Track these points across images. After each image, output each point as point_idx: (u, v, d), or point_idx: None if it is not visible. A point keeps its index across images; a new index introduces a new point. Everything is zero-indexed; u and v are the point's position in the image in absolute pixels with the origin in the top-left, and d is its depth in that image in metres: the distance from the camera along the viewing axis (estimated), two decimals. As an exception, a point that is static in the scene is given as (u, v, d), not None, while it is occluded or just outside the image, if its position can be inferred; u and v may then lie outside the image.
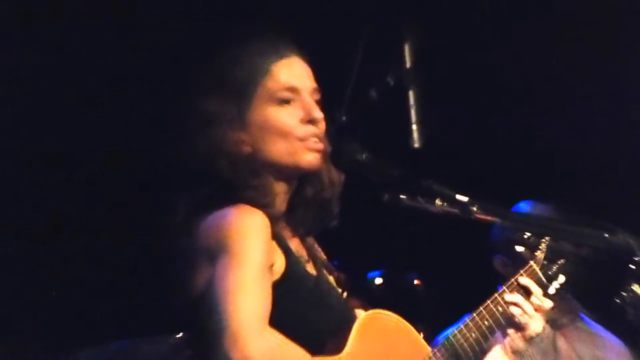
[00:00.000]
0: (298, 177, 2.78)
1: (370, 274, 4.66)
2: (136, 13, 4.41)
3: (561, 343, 4.12)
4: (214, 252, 2.57)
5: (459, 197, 2.60)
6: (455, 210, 2.60)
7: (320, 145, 2.75)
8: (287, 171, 2.75)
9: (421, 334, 2.92)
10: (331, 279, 2.86)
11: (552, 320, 3.95)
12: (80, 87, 4.46)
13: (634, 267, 2.41)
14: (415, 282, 4.77)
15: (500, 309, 2.97)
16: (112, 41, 4.41)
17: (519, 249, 3.09)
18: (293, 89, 2.74)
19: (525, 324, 2.98)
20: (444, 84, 4.72)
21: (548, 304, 3.00)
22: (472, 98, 4.90)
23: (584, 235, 2.52)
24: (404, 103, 4.53)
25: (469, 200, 2.59)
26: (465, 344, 2.92)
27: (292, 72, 2.75)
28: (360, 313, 2.82)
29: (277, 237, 2.68)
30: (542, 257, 3.07)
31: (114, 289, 4.51)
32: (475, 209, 2.58)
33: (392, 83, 4.48)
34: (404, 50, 4.55)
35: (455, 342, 2.91)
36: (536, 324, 2.99)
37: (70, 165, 4.53)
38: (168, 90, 3.67)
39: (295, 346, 2.53)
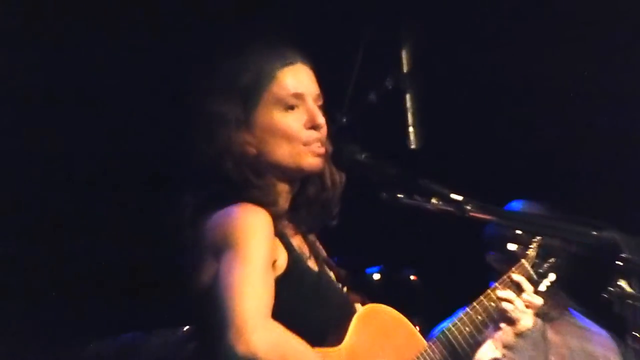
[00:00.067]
0: (301, 179, 2.79)
1: (369, 270, 4.66)
2: (151, 16, 4.39)
3: (551, 335, 4.12)
4: (220, 249, 2.59)
5: (453, 196, 2.60)
6: (451, 209, 2.60)
7: (323, 150, 2.76)
8: (290, 173, 2.76)
9: (417, 327, 2.94)
10: (332, 274, 2.86)
11: (543, 314, 3.96)
12: (84, 86, 4.42)
13: (620, 263, 2.41)
14: (412, 277, 4.76)
15: (493, 304, 2.97)
16: (123, 43, 4.38)
17: (512, 246, 3.09)
18: (298, 96, 2.75)
19: (517, 319, 2.97)
20: (440, 85, 4.72)
21: (538, 300, 3.00)
22: (468, 99, 4.90)
23: (573, 232, 2.51)
24: (401, 106, 4.53)
25: (463, 199, 2.59)
26: (459, 337, 2.92)
27: (298, 79, 2.76)
28: (359, 307, 2.84)
29: (280, 234, 2.69)
30: (534, 255, 3.06)
31: (124, 285, 4.50)
32: (469, 207, 2.58)
33: (390, 86, 4.49)
34: (401, 55, 4.55)
35: (450, 336, 2.91)
36: (527, 320, 2.98)
37: (72, 165, 4.50)
38: (175, 92, 3.69)
39: (297, 338, 2.53)
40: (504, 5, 4.78)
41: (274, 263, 2.63)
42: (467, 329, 2.93)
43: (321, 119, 2.77)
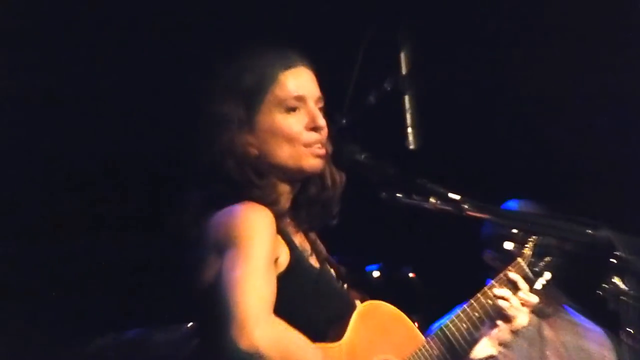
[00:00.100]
0: (302, 179, 2.80)
1: (369, 268, 4.67)
2: (156, 18, 4.39)
3: (547, 332, 4.13)
4: (223, 246, 2.59)
5: (451, 195, 2.61)
6: (448, 208, 2.60)
7: (323, 151, 2.77)
8: (291, 173, 2.77)
9: (416, 323, 2.94)
10: (332, 271, 2.88)
11: (538, 310, 3.96)
12: (87, 87, 4.41)
13: (614, 261, 2.42)
14: (411, 275, 4.77)
15: (489, 301, 2.96)
16: (129, 44, 4.37)
17: (508, 245, 3.09)
18: (300, 98, 2.76)
19: (512, 316, 2.96)
20: (437, 86, 4.72)
21: (534, 299, 2.98)
22: (466, 100, 4.91)
23: (568, 231, 2.52)
24: (400, 107, 4.54)
25: (461, 198, 2.60)
26: (457, 334, 2.93)
27: (299, 82, 2.77)
28: (359, 304, 2.85)
29: (282, 232, 2.70)
30: (530, 253, 3.05)
31: (129, 282, 4.50)
32: (466, 206, 2.59)
33: (389, 89, 4.50)
34: (400, 58, 4.56)
35: (448, 332, 2.91)
36: (522, 318, 2.97)
37: (74, 165, 4.49)
38: (179, 92, 3.70)
39: (299, 333, 2.55)
40: (502, 5, 4.77)
41: (276, 260, 2.64)
42: (464, 325, 2.94)
43: (322, 121, 2.78)
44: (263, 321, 2.47)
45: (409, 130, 4.48)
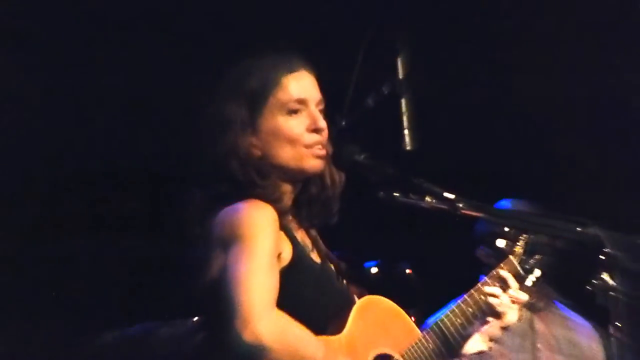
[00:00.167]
0: (303, 179, 2.81)
1: (367, 264, 4.68)
2: (163, 21, 4.39)
3: (538, 325, 4.13)
4: (227, 242, 2.60)
5: (446, 194, 2.62)
6: (444, 206, 2.60)
7: (324, 152, 2.78)
8: (293, 174, 2.78)
9: (412, 318, 2.95)
10: (333, 267, 2.88)
11: (530, 304, 3.97)
12: (91, 87, 4.39)
13: (603, 257, 2.43)
14: (408, 271, 4.77)
15: (482, 297, 2.97)
16: (134, 46, 4.36)
17: (500, 242, 3.10)
18: (301, 101, 2.77)
19: (503, 313, 2.96)
20: (434, 88, 4.72)
21: (524, 296, 2.98)
22: (463, 101, 4.91)
23: (559, 229, 2.53)
24: (397, 110, 4.55)
25: (455, 197, 2.61)
26: (452, 328, 2.94)
27: (301, 85, 2.78)
28: (357, 299, 2.86)
29: (284, 228, 2.71)
30: (521, 251, 3.06)
31: (136, 278, 4.50)
32: (461, 205, 2.59)
33: (387, 92, 4.51)
34: (397, 62, 4.57)
35: (443, 326, 2.93)
36: (512, 314, 2.97)
37: (77, 165, 4.48)
38: (183, 94, 3.70)
39: (301, 326, 2.56)
40: (501, 5, 4.77)
41: (279, 255, 2.65)
42: (458, 320, 2.95)
43: (322, 123, 2.79)
44: (266, 315, 2.48)
45: (406, 132, 4.48)
